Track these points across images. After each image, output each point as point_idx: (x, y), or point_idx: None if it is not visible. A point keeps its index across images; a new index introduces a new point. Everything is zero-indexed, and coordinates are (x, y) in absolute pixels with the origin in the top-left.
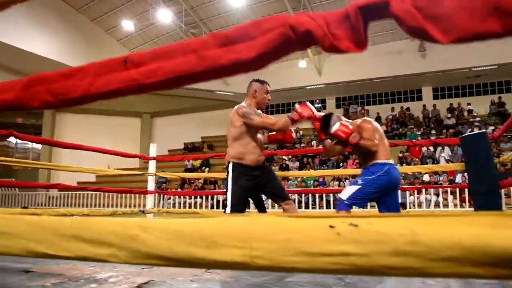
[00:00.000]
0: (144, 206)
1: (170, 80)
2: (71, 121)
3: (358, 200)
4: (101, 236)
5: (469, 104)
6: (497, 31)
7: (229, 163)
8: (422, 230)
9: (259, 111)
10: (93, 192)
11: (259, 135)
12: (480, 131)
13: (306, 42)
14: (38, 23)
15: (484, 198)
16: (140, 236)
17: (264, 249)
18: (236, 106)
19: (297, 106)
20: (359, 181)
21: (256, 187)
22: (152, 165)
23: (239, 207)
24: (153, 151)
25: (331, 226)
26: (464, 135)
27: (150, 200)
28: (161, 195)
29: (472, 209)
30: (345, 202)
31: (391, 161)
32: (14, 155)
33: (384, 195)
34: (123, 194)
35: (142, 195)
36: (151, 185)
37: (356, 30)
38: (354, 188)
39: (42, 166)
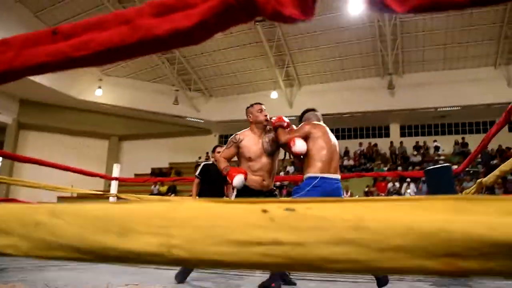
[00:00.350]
0: None
1: (102, 53)
2: (35, 139)
3: None
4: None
5: (435, 141)
6: (460, 0)
7: None
8: (370, 215)
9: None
10: None
11: (265, 160)
12: (445, 164)
13: (248, 10)
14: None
15: None
16: (48, 223)
17: (185, 238)
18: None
19: (272, 119)
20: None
21: None
22: (114, 185)
23: None
24: (115, 172)
25: (264, 211)
26: (428, 168)
27: None
28: None
29: None
30: None
31: (328, 175)
32: None
33: None
34: None
35: None
36: None
37: None
38: None
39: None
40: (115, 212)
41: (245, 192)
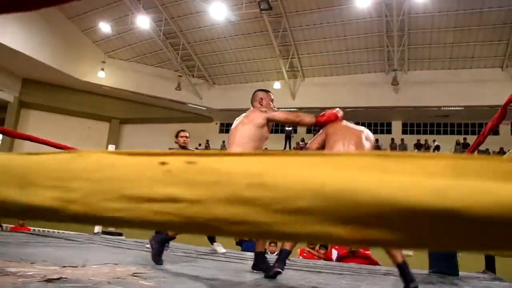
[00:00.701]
0: None
1: None
2: (36, 118)
3: None
4: None
5: (434, 140)
6: None
7: None
8: (273, 170)
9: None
10: None
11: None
12: None
13: None
14: (10, 14)
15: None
16: None
17: (83, 191)
18: (249, 111)
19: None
20: None
21: None
22: None
23: None
24: None
25: (163, 163)
26: None
27: None
28: None
29: None
30: None
31: None
32: None
33: None
34: None
35: None
36: None
37: None
38: None
39: None
40: (17, 163)
41: None
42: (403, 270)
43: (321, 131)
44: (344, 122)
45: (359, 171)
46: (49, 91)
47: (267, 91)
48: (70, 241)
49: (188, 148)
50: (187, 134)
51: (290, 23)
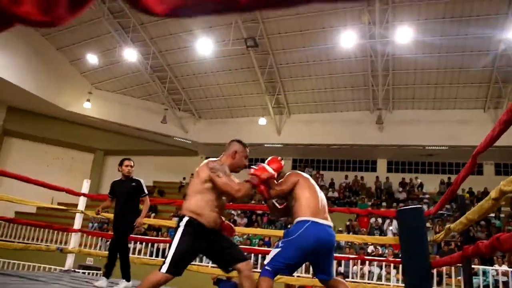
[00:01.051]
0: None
1: None
2: (20, 147)
3: (281, 265)
4: None
5: (416, 178)
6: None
7: (183, 216)
8: None
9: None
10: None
11: (224, 198)
12: (417, 205)
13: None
14: None
15: (415, 276)
16: None
17: None
18: (208, 159)
19: (252, 170)
20: (279, 244)
21: (206, 250)
22: (81, 201)
23: (179, 266)
24: (85, 187)
25: None
26: (400, 208)
27: (74, 238)
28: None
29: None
30: (267, 268)
31: (317, 219)
32: None
33: (313, 259)
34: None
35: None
36: (77, 223)
37: None
38: (274, 252)
39: None
40: None
41: (199, 230)
42: None
43: (290, 175)
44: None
45: None
46: (34, 120)
47: (244, 146)
48: (33, 282)
49: (133, 178)
50: (132, 163)
51: (276, 60)
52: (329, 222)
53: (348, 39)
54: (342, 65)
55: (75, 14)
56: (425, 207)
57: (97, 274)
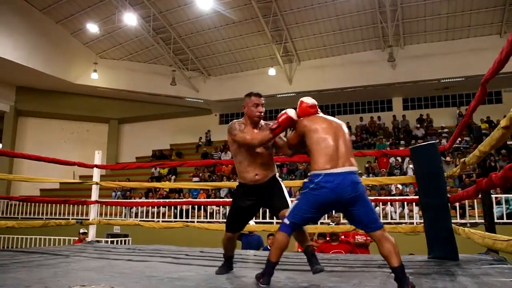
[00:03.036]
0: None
1: None
2: (34, 125)
3: (298, 218)
4: None
5: (428, 114)
6: None
7: None
8: None
9: (262, 123)
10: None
11: (260, 151)
12: (429, 142)
13: None
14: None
15: (434, 212)
16: None
17: None
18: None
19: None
20: (299, 196)
21: (254, 207)
22: (96, 173)
23: (232, 224)
24: (97, 159)
25: None
26: (414, 146)
27: (93, 210)
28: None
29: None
30: (285, 221)
31: (332, 170)
32: None
33: (337, 209)
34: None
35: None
36: (94, 194)
37: None
38: (292, 205)
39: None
40: None
41: (242, 188)
42: (398, 274)
43: (293, 130)
44: (321, 114)
45: None
46: (44, 97)
47: (250, 95)
48: (55, 257)
49: None
50: None
51: (280, 7)
52: (352, 168)
53: None
54: (348, 5)
55: None
56: (444, 141)
57: (124, 241)
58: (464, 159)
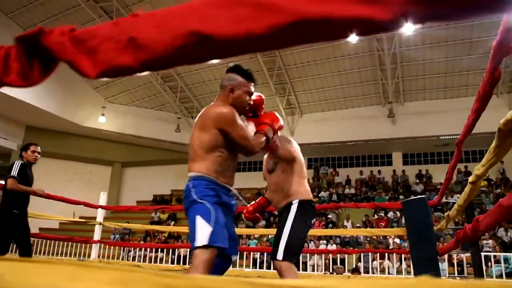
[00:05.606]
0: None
1: None
2: (40, 164)
3: None
4: None
5: (427, 170)
6: (131, 64)
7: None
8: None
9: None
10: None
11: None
12: (420, 196)
13: None
14: None
15: (424, 264)
16: None
17: None
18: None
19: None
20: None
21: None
22: (100, 213)
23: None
24: (102, 200)
25: None
26: (405, 200)
27: (94, 249)
28: (123, 247)
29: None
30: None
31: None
32: None
33: None
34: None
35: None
36: (96, 234)
37: (21, 63)
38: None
39: None
40: None
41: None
42: None
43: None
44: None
45: (66, 280)
46: (51, 137)
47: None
48: None
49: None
50: (39, 149)
51: (284, 62)
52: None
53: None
54: (350, 62)
55: (46, 77)
56: (443, 198)
57: None
58: (447, 213)
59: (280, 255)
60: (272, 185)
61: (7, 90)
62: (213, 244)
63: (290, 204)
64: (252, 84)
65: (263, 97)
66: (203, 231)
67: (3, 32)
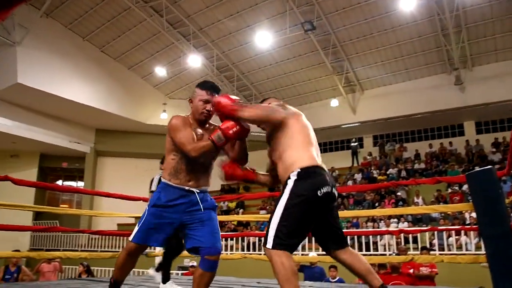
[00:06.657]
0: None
1: None
2: (112, 164)
3: None
4: None
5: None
6: None
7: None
8: None
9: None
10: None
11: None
12: (486, 167)
13: None
14: (80, 74)
15: (497, 242)
16: None
17: None
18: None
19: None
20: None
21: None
22: None
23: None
24: None
25: None
26: (470, 172)
27: None
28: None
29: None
30: None
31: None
32: (60, 196)
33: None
34: None
35: None
36: None
37: None
38: None
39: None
40: None
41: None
42: None
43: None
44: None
45: None
46: (119, 138)
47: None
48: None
49: None
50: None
51: (339, 38)
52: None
53: (406, 2)
54: (409, 30)
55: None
56: None
57: None
58: None
59: (269, 243)
60: (273, 162)
61: (75, 97)
62: (131, 240)
63: (288, 179)
64: (208, 91)
65: (224, 103)
66: (134, 229)
67: (65, 44)
